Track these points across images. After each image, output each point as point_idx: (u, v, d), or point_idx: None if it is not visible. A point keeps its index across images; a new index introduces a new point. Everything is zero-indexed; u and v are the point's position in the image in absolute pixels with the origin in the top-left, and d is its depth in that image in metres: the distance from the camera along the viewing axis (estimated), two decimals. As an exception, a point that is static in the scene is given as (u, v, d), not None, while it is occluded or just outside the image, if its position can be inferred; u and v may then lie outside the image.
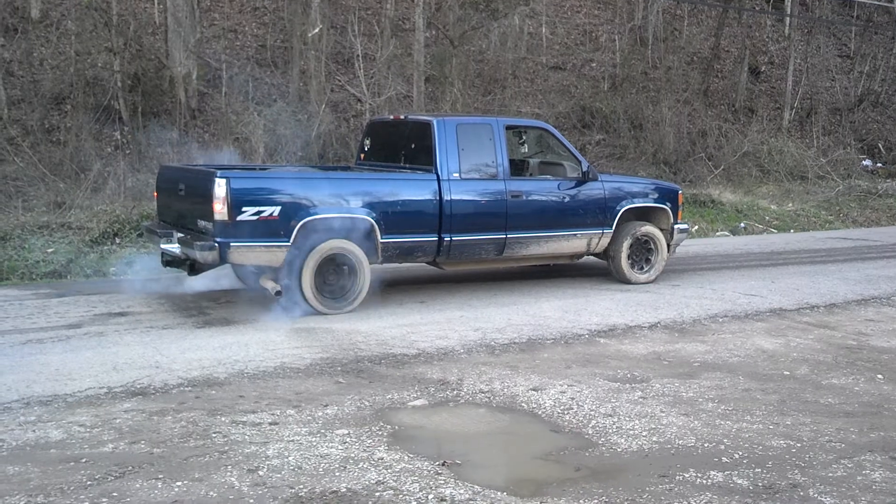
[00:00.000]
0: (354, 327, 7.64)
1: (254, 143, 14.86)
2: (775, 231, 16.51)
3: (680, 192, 10.78)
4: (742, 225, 16.45)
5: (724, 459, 4.78)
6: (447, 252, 8.96)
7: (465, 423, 5.38)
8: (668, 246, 10.41)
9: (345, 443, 4.87)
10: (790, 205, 18.40)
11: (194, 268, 8.18)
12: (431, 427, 5.27)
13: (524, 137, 10.73)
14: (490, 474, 4.56)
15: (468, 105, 18.03)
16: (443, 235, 8.83)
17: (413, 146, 9.36)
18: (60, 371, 6.13)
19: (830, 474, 4.61)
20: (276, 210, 7.87)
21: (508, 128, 9.74)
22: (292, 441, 4.88)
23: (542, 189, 9.62)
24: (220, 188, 7.64)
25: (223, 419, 5.22)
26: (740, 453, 4.87)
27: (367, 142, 10.20)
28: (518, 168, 10.10)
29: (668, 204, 10.41)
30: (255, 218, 7.77)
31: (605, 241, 9.97)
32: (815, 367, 6.78)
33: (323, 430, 5.06)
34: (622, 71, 21.69)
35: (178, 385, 5.89)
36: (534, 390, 5.97)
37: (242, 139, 15.07)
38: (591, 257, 10.33)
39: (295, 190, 8.13)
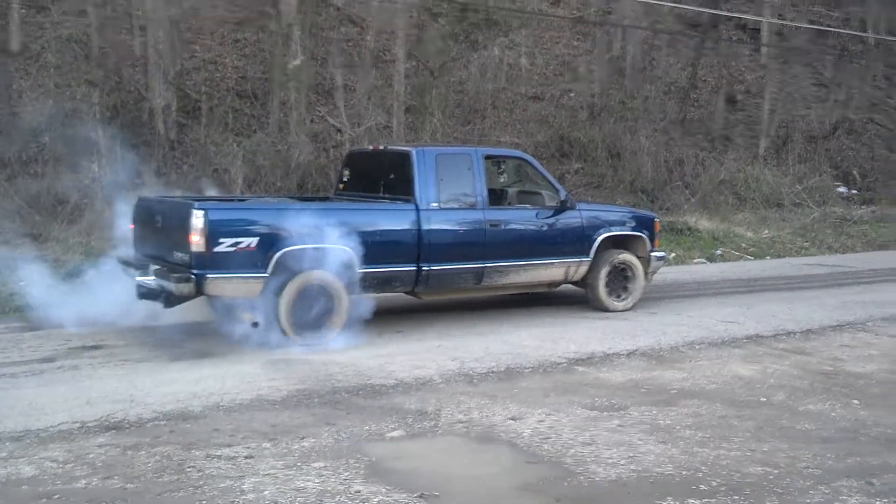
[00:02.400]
0: (331, 358, 7.60)
1: (233, 174, 14.84)
2: (751, 258, 16.61)
3: (657, 219, 10.86)
4: (719, 252, 16.54)
5: (702, 487, 4.78)
6: (425, 282, 8.94)
7: (443, 453, 5.36)
8: (646, 274, 10.45)
9: (321, 476, 4.84)
10: (766, 232, 18.54)
11: (170, 300, 8.10)
12: (409, 458, 5.24)
13: (503, 167, 10.76)
14: (467, 505, 4.54)
15: (448, 135, 18.11)
16: (421, 265, 8.81)
17: (392, 176, 9.35)
18: (33, 405, 6.06)
19: (808, 501, 4.62)
20: (254, 241, 7.81)
21: (487, 157, 9.79)
22: (268, 475, 4.84)
23: (520, 218, 9.67)
24: (197, 219, 7.58)
25: (198, 453, 5.17)
26: (718, 481, 4.88)
27: (347, 172, 10.18)
28: (497, 197, 10.10)
29: (645, 232, 10.47)
30: (232, 249, 7.70)
31: (584, 269, 10.01)
32: (791, 393, 6.81)
33: (299, 464, 5.02)
34: (600, 101, 21.87)
35: (152, 419, 5.83)
36: (512, 419, 5.95)
37: (221, 170, 15.05)
38: (569, 285, 10.35)
39: (273, 221, 8.06)
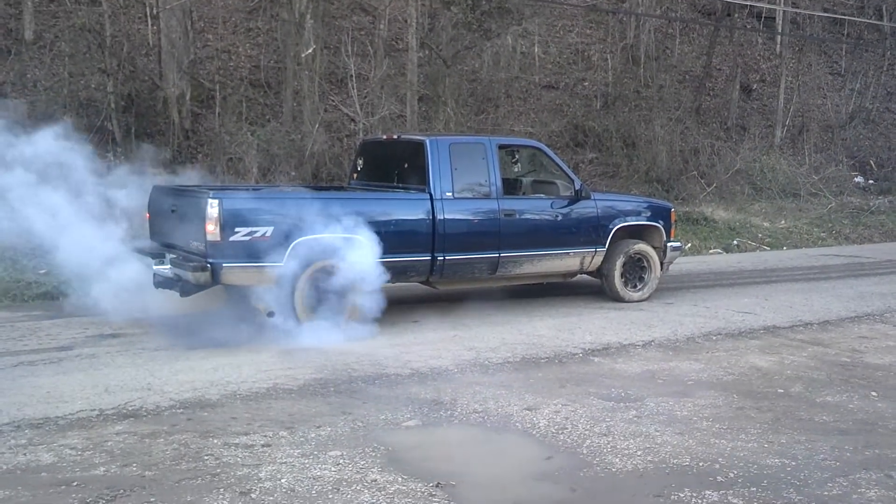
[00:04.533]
0: (347, 348, 7.61)
1: (247, 164, 14.86)
2: (768, 248, 16.54)
3: (672, 209, 10.85)
4: (735, 242, 16.47)
5: (720, 479, 4.76)
6: (440, 271, 8.94)
7: (459, 443, 5.36)
8: (662, 264, 10.43)
9: (338, 464, 4.85)
10: (783, 222, 18.45)
11: (186, 289, 8.08)
12: (425, 448, 5.25)
13: (517, 156, 10.74)
14: (485, 495, 4.54)
15: (461, 124, 18.07)
16: (436, 255, 8.81)
17: (406, 166, 9.35)
18: (52, 393, 6.09)
19: (826, 493, 4.59)
20: (269, 230, 7.80)
21: (501, 147, 9.75)
22: (285, 463, 4.85)
23: (535, 208, 9.65)
24: (212, 208, 7.59)
25: (215, 441, 5.18)
26: (735, 472, 4.86)
27: (360, 162, 10.17)
28: (511, 187, 10.08)
29: (660, 222, 10.45)
30: (247, 238, 7.70)
31: (599, 259, 9.98)
32: (809, 384, 6.77)
33: (316, 452, 5.03)
34: (614, 90, 21.77)
35: (170, 407, 5.85)
36: (528, 410, 5.94)
37: (236, 159, 15.07)
38: (585, 275, 10.33)
39: (288, 210, 8.06)
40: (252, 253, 7.75)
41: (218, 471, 4.72)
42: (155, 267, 8.15)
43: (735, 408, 6.10)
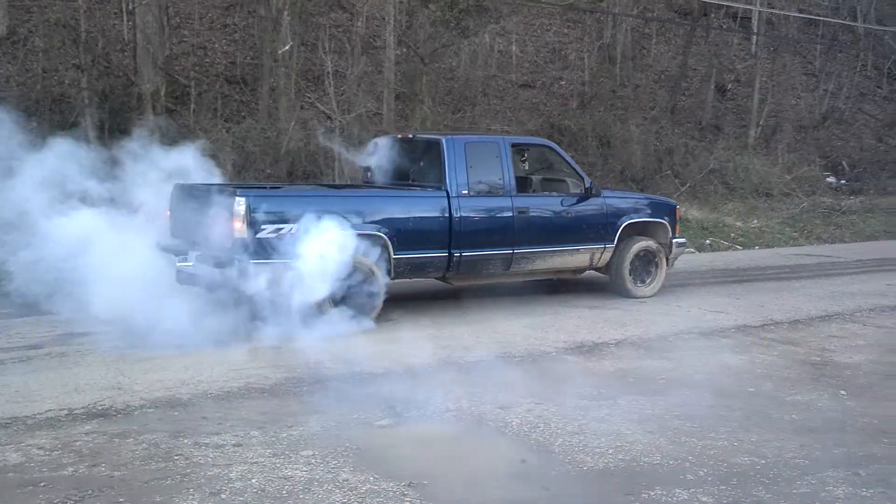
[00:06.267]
0: (321, 346, 7.57)
1: (222, 160, 14.76)
2: (740, 248, 16.67)
3: (677, 207, 11.15)
4: (707, 242, 16.59)
5: (690, 477, 4.80)
6: (457, 267, 9.16)
7: (432, 442, 5.36)
8: (667, 260, 10.68)
9: (309, 464, 4.84)
10: (755, 221, 18.59)
11: (212, 286, 8.11)
12: (398, 447, 5.24)
13: (525, 155, 10.84)
14: (457, 494, 4.55)
15: (438, 123, 18.07)
16: (452, 251, 9.04)
17: (421, 164, 9.60)
18: (20, 392, 6.04)
19: (794, 491, 4.64)
20: (295, 227, 7.98)
21: (514, 146, 9.95)
22: (256, 463, 4.83)
23: (547, 205, 9.87)
24: (239, 206, 7.76)
25: (186, 441, 5.16)
26: (705, 470, 4.90)
27: (373, 160, 10.23)
28: (522, 185, 10.19)
29: (666, 218, 10.71)
30: (273, 235, 7.89)
31: (607, 255, 10.23)
32: (779, 383, 6.84)
33: (287, 452, 5.02)
34: (591, 89, 21.86)
35: (140, 407, 5.81)
36: (501, 409, 5.96)
37: (210, 156, 14.95)
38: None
39: (310, 207, 8.22)
40: (277, 250, 7.89)
41: (188, 471, 4.70)
42: (178, 264, 8.18)
43: (706, 406, 6.14)
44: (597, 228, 10.07)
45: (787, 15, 26.06)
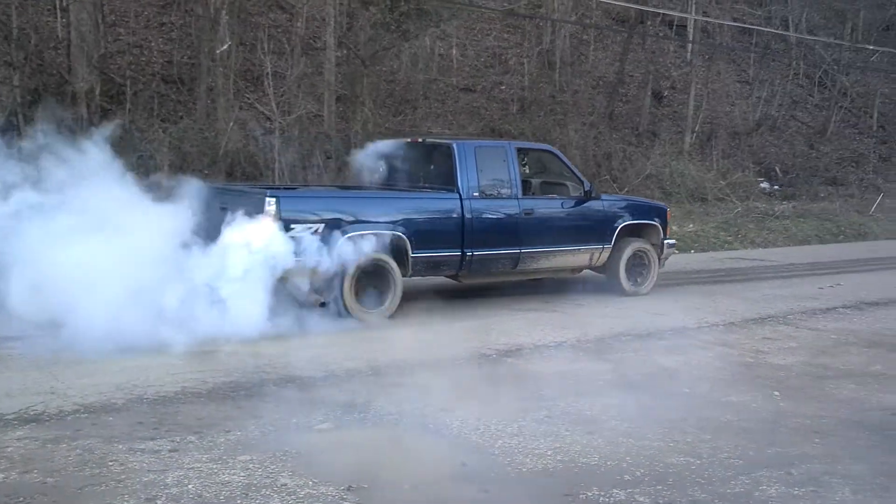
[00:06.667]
0: (260, 350, 7.50)
1: (158, 161, 14.53)
2: (676, 252, 16.89)
3: (668, 210, 11.84)
4: (646, 245, 16.78)
5: (626, 477, 4.86)
6: (469, 266, 9.64)
7: (373, 445, 5.34)
8: (659, 259, 11.18)
9: (247, 469, 4.77)
10: (691, 226, 18.92)
11: None
12: (337, 451, 5.21)
13: (525, 159, 11.15)
14: (397, 497, 4.53)
15: (379, 125, 18.02)
16: (465, 250, 9.49)
17: (432, 167, 10.08)
18: (-53, 398, 5.85)
19: (729, 490, 4.72)
20: (321, 227, 8.48)
21: (518, 150, 10.43)
22: (192, 468, 4.75)
23: (550, 207, 10.42)
24: (270, 206, 8.22)
25: (120, 447, 5.05)
26: (642, 471, 4.96)
27: (382, 163, 10.52)
28: (524, 188, 10.44)
29: (657, 220, 11.29)
30: (302, 234, 8.34)
31: (605, 255, 10.75)
32: (714, 384, 6.95)
33: (225, 457, 4.94)
34: (530, 94, 22.03)
35: (73, 412, 5.68)
36: (442, 411, 5.96)
37: (146, 156, 14.71)
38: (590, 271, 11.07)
39: (337, 208, 8.85)
40: (306, 248, 8.34)
41: (123, 477, 4.60)
42: None
43: (643, 407, 6.22)
44: (596, 230, 10.61)
45: (722, 24, 26.63)
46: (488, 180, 9.77)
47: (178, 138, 15.22)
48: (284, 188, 10.32)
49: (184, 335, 7.47)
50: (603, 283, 11.20)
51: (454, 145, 9.74)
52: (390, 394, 6.33)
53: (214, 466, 4.79)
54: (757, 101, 26.32)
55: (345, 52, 18.77)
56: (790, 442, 5.59)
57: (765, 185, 24.00)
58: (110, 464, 4.78)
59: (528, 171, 11.22)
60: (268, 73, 16.97)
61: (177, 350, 7.34)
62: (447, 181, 9.68)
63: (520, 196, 10.00)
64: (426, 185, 10.01)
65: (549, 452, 5.21)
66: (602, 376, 7.09)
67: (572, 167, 10.79)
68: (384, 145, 10.84)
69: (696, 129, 24.12)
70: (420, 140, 10.58)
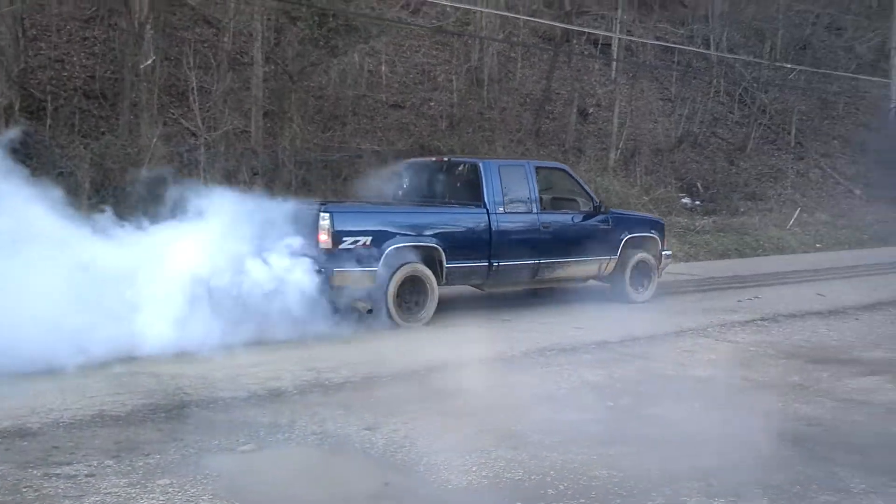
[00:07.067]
0: (180, 370, 7.37)
1: (79, 178, 14.18)
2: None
3: (664, 223, 12.93)
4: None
5: (550, 491, 4.90)
6: (495, 275, 10.49)
7: (296, 466, 5.29)
8: (658, 270, 12.21)
9: (167, 493, 4.68)
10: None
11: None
12: (260, 473, 5.15)
13: (538, 176, 11.55)
14: (319, 518, 4.50)
15: (308, 141, 17.92)
16: (492, 261, 10.34)
17: (458, 185, 10.95)
18: None
19: (650, 502, 4.79)
20: (369, 239, 9.29)
21: (537, 168, 11.32)
22: (110, 493, 4.64)
23: (565, 221, 11.34)
24: (324, 220, 9.04)
25: (35, 472, 4.91)
26: (566, 484, 5.00)
27: (405, 181, 11.39)
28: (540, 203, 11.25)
29: (656, 233, 12.34)
30: (353, 246, 9.17)
31: (612, 265, 11.70)
32: (636, 397, 7.06)
33: (143, 481, 4.84)
34: (459, 110, 22.15)
35: (-15, 437, 5.50)
36: (367, 430, 5.94)
37: (67, 173, 14.35)
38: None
39: (381, 221, 9.69)
40: (355, 259, 9.18)
41: (37, 503, 4.47)
42: None
43: (566, 421, 6.29)
44: (605, 242, 11.53)
45: (645, 42, 27.21)
46: (511, 196, 10.67)
47: (99, 154, 14.87)
48: (336, 202, 10.92)
49: (102, 355, 7.32)
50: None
51: (480, 164, 10.67)
52: (314, 413, 6.28)
53: (133, 491, 4.69)
54: (679, 118, 26.89)
55: (272, 67, 18.63)
56: (710, 453, 5.67)
57: (686, 200, 24.49)
58: (24, 490, 4.64)
59: (539, 187, 11.78)
60: (193, 89, 16.74)
61: (95, 372, 7.16)
62: (474, 197, 10.53)
63: (539, 211, 10.92)
64: (453, 200, 10.83)
65: (474, 468, 5.22)
66: (528, 391, 7.15)
67: (583, 184, 11.70)
68: (410, 163, 11.76)
69: (621, 145, 24.52)
70: (445, 159, 11.51)
